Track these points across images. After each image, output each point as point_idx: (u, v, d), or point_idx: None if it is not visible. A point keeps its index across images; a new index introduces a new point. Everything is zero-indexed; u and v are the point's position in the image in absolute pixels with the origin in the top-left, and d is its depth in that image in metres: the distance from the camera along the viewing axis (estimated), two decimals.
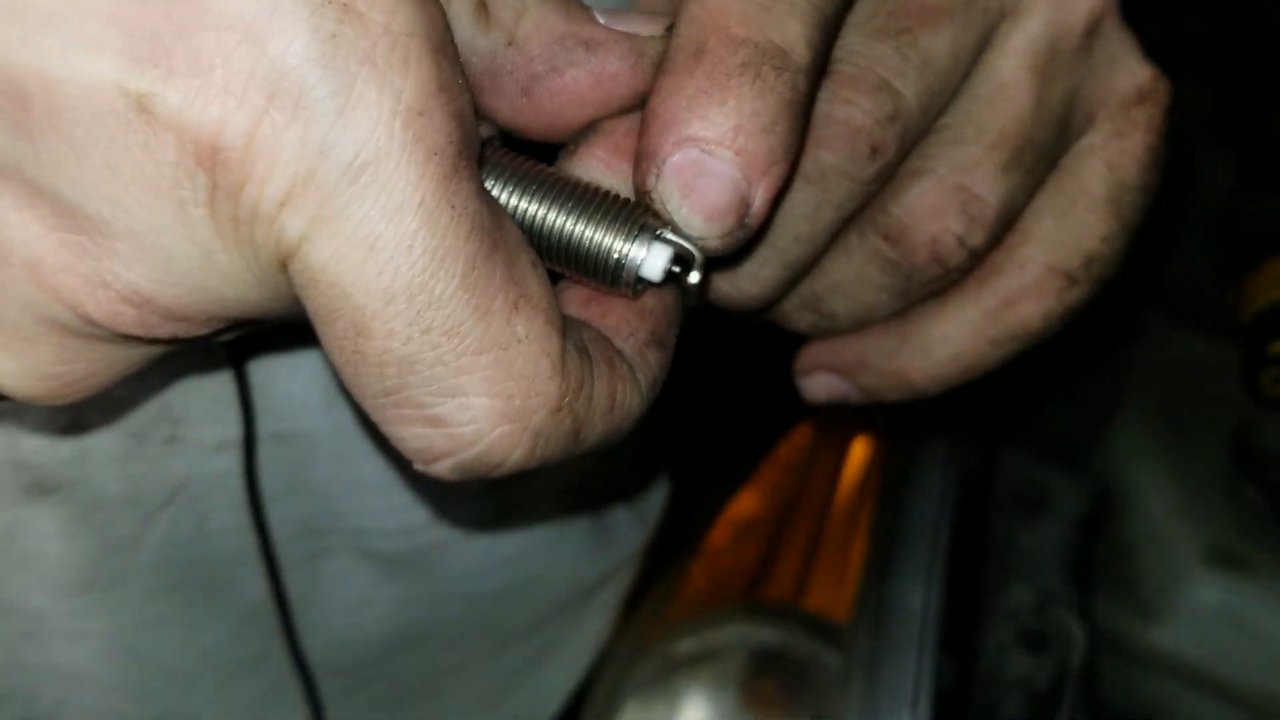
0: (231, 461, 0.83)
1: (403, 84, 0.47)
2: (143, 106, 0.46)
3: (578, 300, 0.62)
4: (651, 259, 0.59)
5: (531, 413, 0.53)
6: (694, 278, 0.59)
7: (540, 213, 0.58)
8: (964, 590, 1.27)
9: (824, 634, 1.22)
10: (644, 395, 0.59)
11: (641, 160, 0.57)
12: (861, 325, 0.73)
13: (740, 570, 1.30)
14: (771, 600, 1.27)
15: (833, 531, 1.31)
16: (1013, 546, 1.40)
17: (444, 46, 0.50)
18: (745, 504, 1.36)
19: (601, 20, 0.61)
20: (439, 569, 1.00)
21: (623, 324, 0.60)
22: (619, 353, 0.59)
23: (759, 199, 0.56)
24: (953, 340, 0.71)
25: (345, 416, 0.85)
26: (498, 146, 0.60)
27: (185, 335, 0.55)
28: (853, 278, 0.70)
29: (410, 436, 0.53)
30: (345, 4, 0.47)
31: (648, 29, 0.61)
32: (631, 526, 1.26)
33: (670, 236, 0.59)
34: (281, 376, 0.84)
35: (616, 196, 0.60)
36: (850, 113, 0.63)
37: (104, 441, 0.79)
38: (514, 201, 0.58)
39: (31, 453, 0.77)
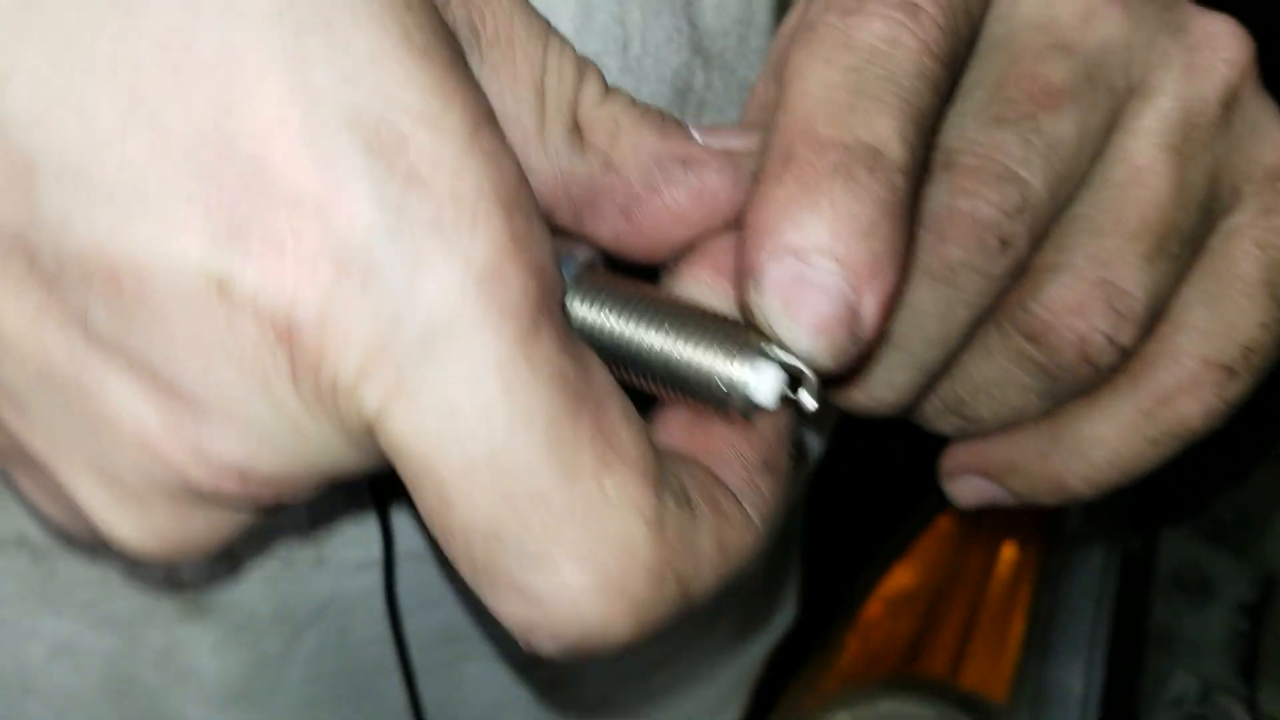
0: (373, 579, 0.86)
1: (471, 246, 0.46)
2: (223, 288, 0.46)
3: (679, 427, 0.58)
4: (762, 381, 0.55)
5: (629, 580, 0.49)
6: (808, 400, 0.55)
7: (643, 336, 0.56)
8: (1125, 674, 1.24)
9: (980, 713, 1.20)
10: (758, 530, 0.55)
11: (741, 276, 0.54)
12: (1009, 426, 0.69)
13: (895, 645, 1.29)
14: (926, 676, 1.25)
15: (990, 608, 1.29)
16: (1176, 632, 1.36)
17: (516, 199, 0.48)
18: (900, 578, 1.35)
19: (697, 136, 0.60)
20: (577, 670, 1.02)
21: (729, 451, 0.57)
22: (725, 489, 0.55)
23: (869, 308, 0.53)
24: (1108, 441, 0.67)
25: None
26: (599, 268, 0.58)
27: (291, 500, 0.55)
28: (996, 379, 0.66)
29: (507, 612, 0.50)
30: (409, 173, 0.46)
31: (743, 143, 0.59)
32: (771, 619, 1.27)
33: (780, 355, 0.55)
34: None
35: (722, 316, 0.57)
36: (975, 205, 0.61)
37: (255, 565, 0.83)
38: (614, 325, 0.56)
39: (187, 577, 0.81)
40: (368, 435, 0.49)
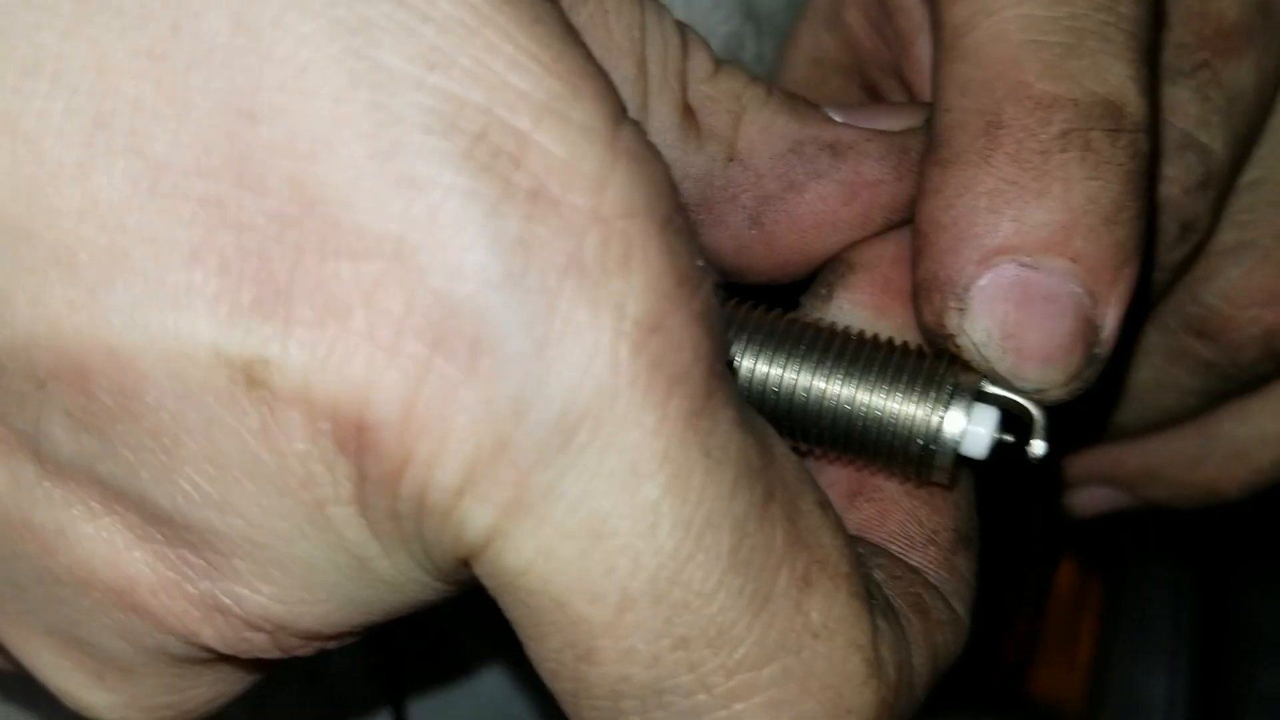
0: None
1: (626, 290, 0.33)
2: (253, 379, 0.33)
3: (837, 498, 0.45)
4: (974, 429, 0.43)
5: None
6: (1038, 447, 0.43)
7: (800, 382, 0.43)
8: (1211, 675, 1.16)
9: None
10: (966, 626, 0.44)
11: (932, 292, 0.43)
12: (1152, 430, 0.60)
13: (961, 655, 1.21)
14: (993, 688, 1.17)
15: (1059, 610, 1.21)
16: (1263, 622, 1.28)
17: (675, 219, 0.35)
18: None
19: (837, 117, 0.47)
20: None
21: (915, 528, 0.45)
22: (925, 582, 0.43)
23: (1110, 318, 0.42)
24: (1276, 439, 0.59)
25: None
26: (726, 298, 0.46)
27: (335, 648, 0.42)
28: (1150, 383, 0.57)
29: None
30: (533, 192, 0.33)
31: (901, 121, 0.47)
32: None
33: (994, 391, 0.43)
34: (437, 715, 0.74)
35: (904, 347, 0.44)
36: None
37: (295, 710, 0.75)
38: (764, 371, 0.44)
39: None
40: (460, 567, 0.37)
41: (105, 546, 0.37)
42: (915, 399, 0.43)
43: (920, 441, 0.43)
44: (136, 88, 0.33)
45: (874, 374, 0.43)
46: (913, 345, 0.45)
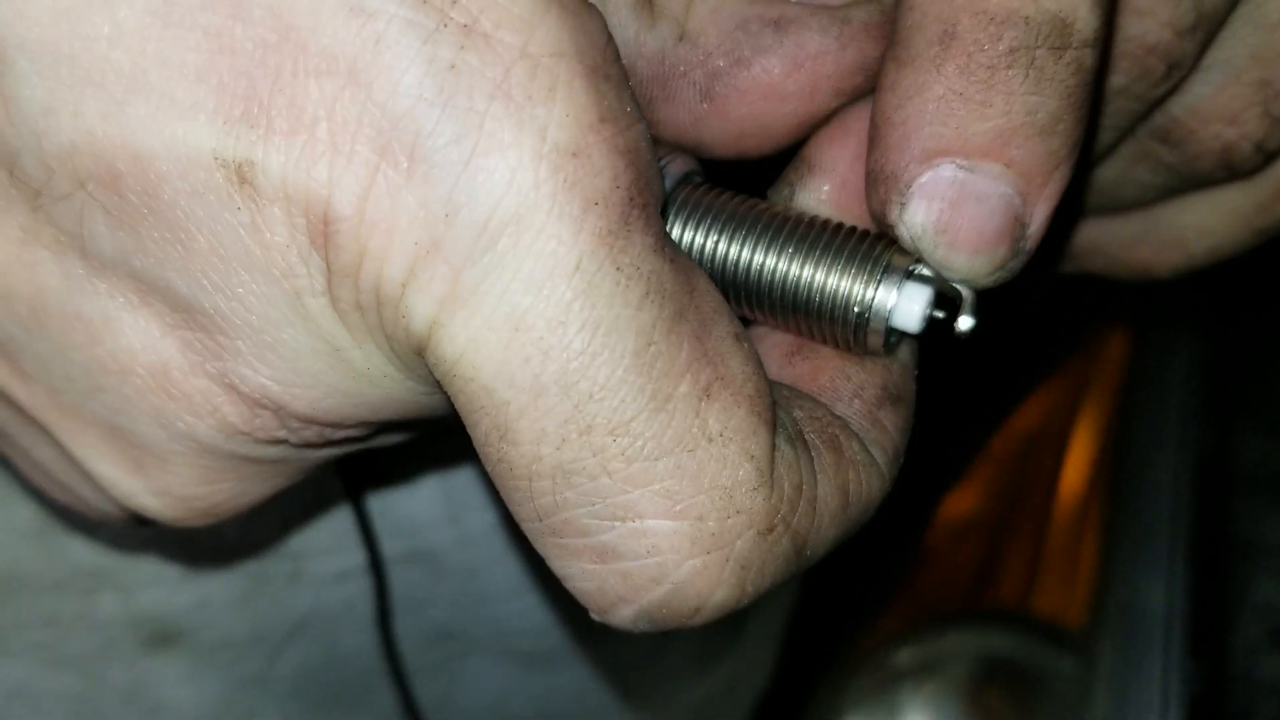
0: (357, 588, 0.80)
1: (549, 118, 0.38)
2: (243, 177, 0.39)
3: (777, 356, 0.50)
4: (906, 304, 0.46)
5: (734, 537, 0.41)
6: (964, 323, 0.47)
7: (755, 257, 0.47)
8: (1208, 587, 1.17)
9: (1057, 640, 1.13)
10: (885, 475, 0.47)
11: (878, 183, 0.46)
12: (1106, 214, 0.62)
13: (961, 573, 1.22)
14: (997, 605, 1.19)
15: (1060, 528, 1.22)
16: (1258, 535, 1.29)
17: (604, 65, 0.40)
18: (961, 502, 1.28)
19: None
20: (584, 659, 0.96)
21: (842, 382, 0.48)
22: (844, 426, 0.47)
23: (1038, 217, 0.45)
24: (1214, 233, 0.61)
25: (472, 527, 0.81)
26: (698, 184, 0.50)
27: (342, 439, 0.48)
28: (1114, 178, 0.59)
29: (576, 573, 0.42)
30: (466, 25, 0.38)
31: None
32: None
33: (928, 273, 0.47)
34: (400, 499, 0.79)
35: (851, 230, 0.48)
36: (1145, 27, 0.50)
37: (223, 586, 0.77)
38: (718, 245, 0.48)
39: (149, 605, 0.75)
40: (418, 357, 0.42)
41: (143, 334, 0.43)
42: (854, 274, 0.46)
43: (856, 311, 0.46)
44: None
45: (818, 251, 0.47)
46: (859, 227, 0.48)
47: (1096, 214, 0.62)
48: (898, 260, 0.46)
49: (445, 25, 0.38)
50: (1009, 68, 0.43)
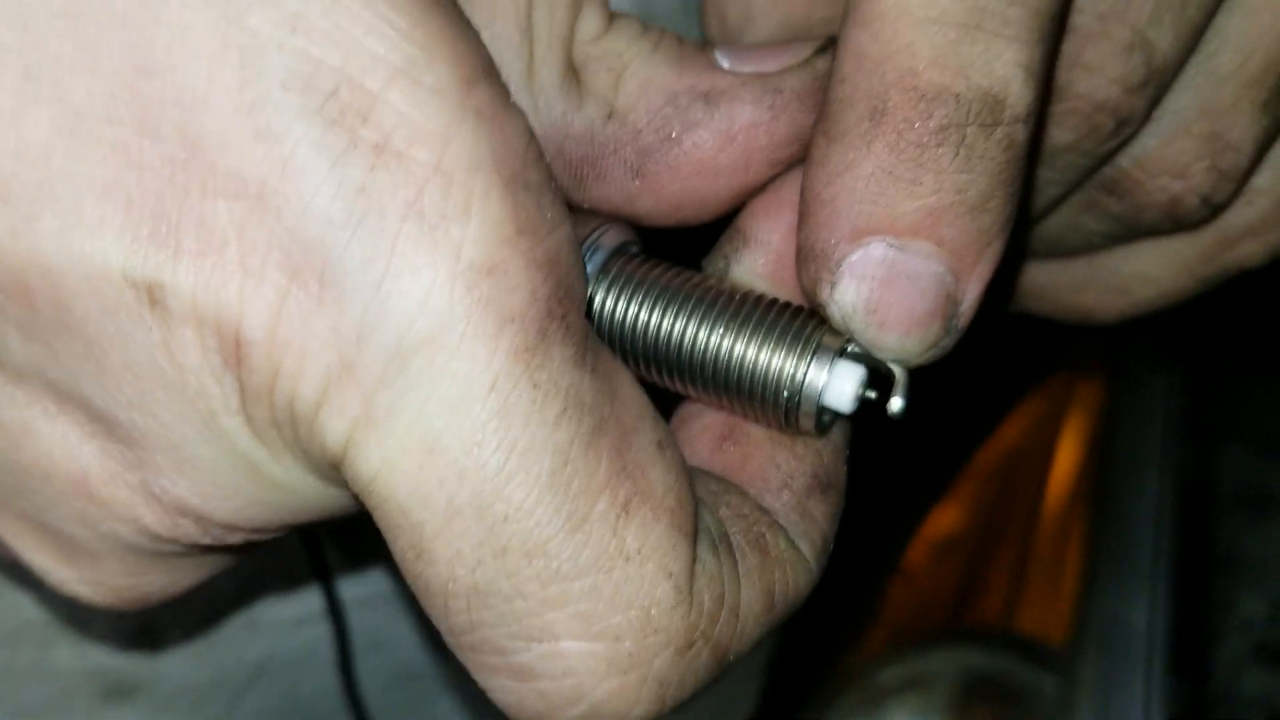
0: (314, 632, 0.80)
1: (463, 236, 0.38)
2: (154, 298, 0.38)
3: (707, 440, 0.49)
4: (837, 384, 0.45)
5: (651, 656, 0.41)
6: (896, 404, 0.45)
7: (684, 332, 0.47)
8: (1191, 603, 1.18)
9: (1040, 657, 1.13)
10: (813, 569, 0.46)
11: (808, 260, 0.45)
12: (1051, 258, 0.62)
13: (944, 591, 1.22)
14: (980, 622, 1.19)
15: (1042, 546, 1.22)
16: (1240, 552, 1.29)
17: (523, 172, 0.39)
18: (944, 519, 1.28)
19: (723, 60, 0.48)
20: None
21: (772, 471, 0.47)
22: (771, 522, 0.46)
23: (971, 294, 0.44)
24: (1158, 280, 0.60)
25: None
26: (632, 254, 0.49)
27: (263, 539, 0.47)
28: (1059, 226, 0.58)
29: (495, 687, 0.42)
30: (378, 144, 0.37)
31: (780, 61, 0.48)
32: None
33: (860, 351, 0.46)
34: (359, 542, 0.78)
35: (784, 306, 0.47)
36: (1093, 84, 0.49)
37: (178, 636, 0.75)
38: (651, 319, 0.47)
39: (104, 658, 0.73)
40: (336, 470, 0.41)
41: (61, 442, 0.42)
42: (786, 352, 0.46)
43: (786, 392, 0.46)
44: (57, 44, 0.38)
45: (750, 327, 0.46)
46: (796, 304, 0.47)
47: (1040, 258, 0.62)
48: (830, 339, 0.46)
49: (355, 146, 0.37)
50: (939, 145, 0.42)
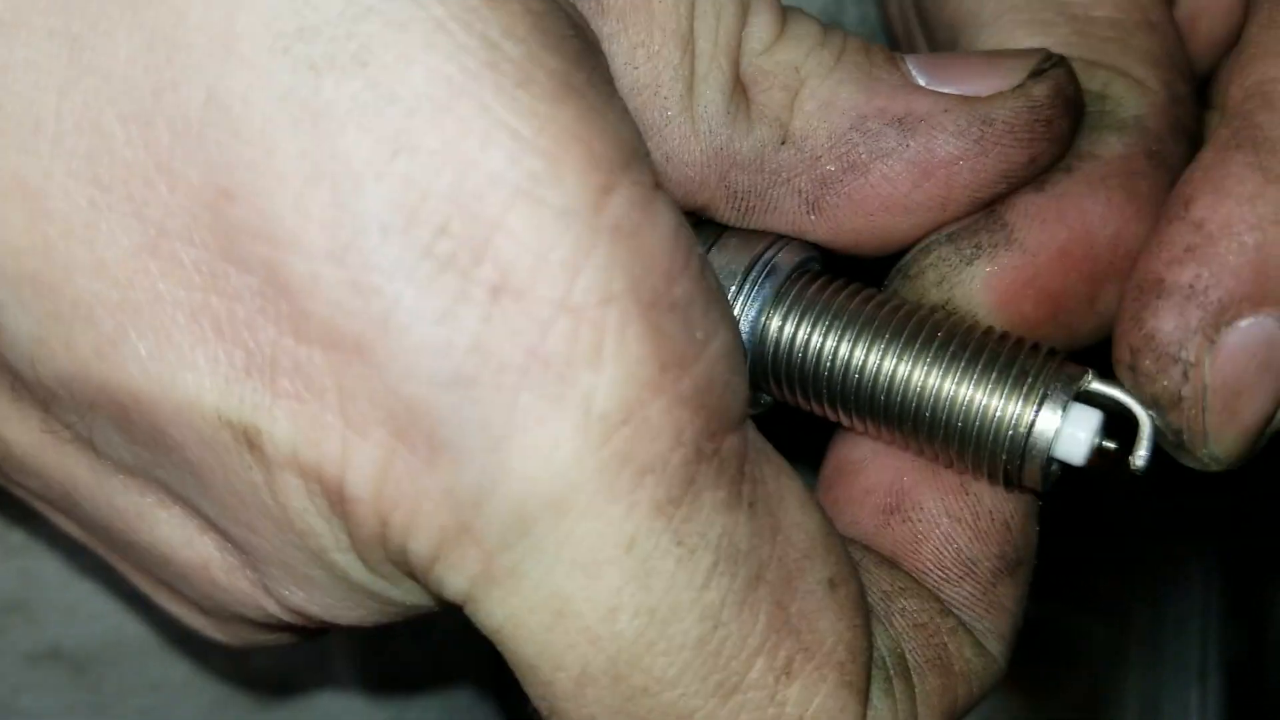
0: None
1: (594, 383, 0.33)
2: (252, 442, 0.35)
3: (869, 511, 0.43)
4: (1072, 431, 0.39)
5: None
6: (1140, 458, 0.39)
7: (878, 364, 0.40)
8: (1247, 544, 1.14)
9: (1093, 604, 1.11)
10: (1000, 667, 0.42)
11: (1187, 302, 0.38)
12: None
13: None
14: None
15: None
16: None
17: (667, 291, 0.34)
18: None
19: (917, 75, 0.42)
20: None
21: (949, 556, 0.42)
22: (954, 626, 0.41)
23: None
24: None
25: None
26: (815, 273, 0.43)
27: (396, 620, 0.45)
28: None
29: None
30: (495, 286, 0.32)
31: (989, 83, 0.42)
32: None
33: (1100, 390, 0.40)
34: None
35: (1003, 336, 0.41)
36: None
37: (336, 652, 0.76)
38: (836, 349, 0.41)
39: (262, 661, 0.73)
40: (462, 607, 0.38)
41: (179, 531, 0.40)
42: (1010, 392, 0.40)
43: (1010, 440, 0.39)
44: (130, 153, 0.33)
45: (965, 361, 0.40)
46: (1014, 336, 0.41)
47: None
48: (1064, 375, 0.40)
49: (467, 295, 0.32)
50: None
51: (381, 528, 0.35)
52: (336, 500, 0.35)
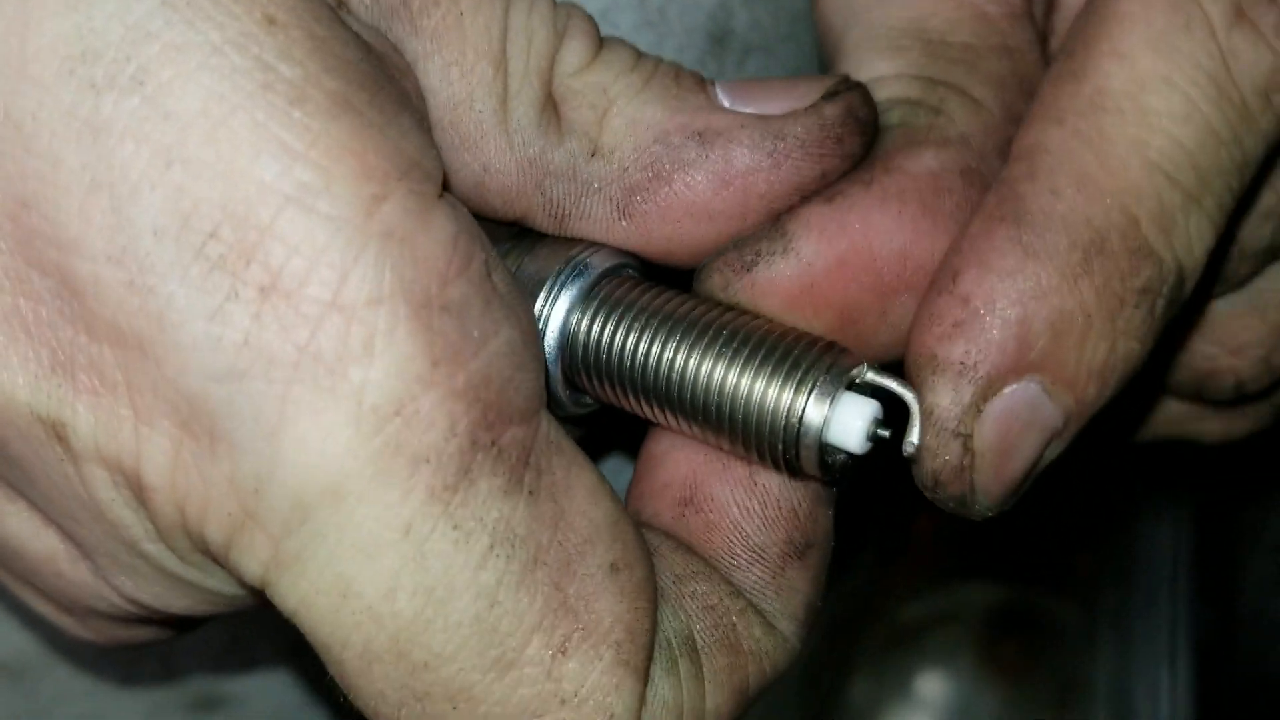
0: None
1: (365, 378, 0.35)
2: (60, 434, 0.37)
3: (667, 503, 0.46)
4: (846, 419, 0.41)
5: None
6: (912, 443, 0.42)
7: (674, 359, 0.43)
8: (1217, 524, 1.16)
9: (1063, 587, 1.13)
10: (794, 645, 0.44)
11: (959, 376, 0.41)
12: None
13: (965, 525, 1.22)
14: (1002, 554, 1.18)
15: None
16: (1267, 469, 1.27)
17: (440, 293, 0.36)
18: None
19: (723, 98, 0.45)
20: None
21: (738, 544, 0.45)
22: (744, 607, 0.43)
23: (1054, 454, 0.43)
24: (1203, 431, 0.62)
25: None
26: (625, 277, 0.46)
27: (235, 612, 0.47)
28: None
29: None
30: (264, 286, 0.34)
31: (784, 103, 0.44)
32: None
33: (874, 380, 0.42)
34: None
35: (788, 332, 0.43)
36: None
37: (268, 652, 0.76)
38: (638, 346, 0.44)
39: (191, 674, 0.74)
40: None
41: (27, 524, 0.43)
42: (784, 382, 0.42)
43: (784, 429, 0.42)
44: None
45: (748, 354, 0.43)
46: (797, 331, 0.44)
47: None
48: (838, 367, 0.42)
49: (237, 293, 0.35)
50: (1136, 306, 0.41)
51: (180, 516, 0.37)
52: (137, 490, 0.37)
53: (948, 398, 0.41)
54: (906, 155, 0.44)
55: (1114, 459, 1.16)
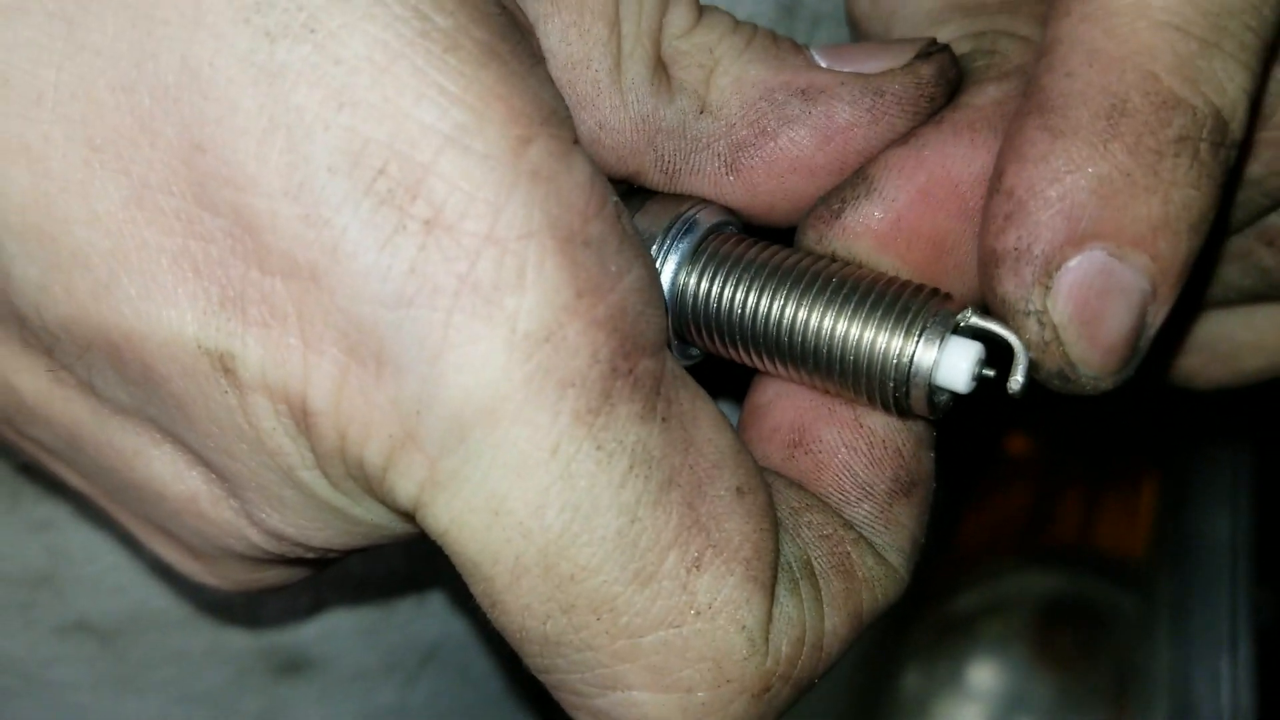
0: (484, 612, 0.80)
1: (518, 306, 0.38)
2: (226, 366, 0.40)
3: (777, 446, 0.48)
4: (952, 361, 0.43)
5: (725, 704, 0.41)
6: (1017, 382, 0.43)
7: (783, 310, 0.45)
8: (1276, 509, 1.14)
9: (1119, 575, 1.11)
10: (903, 576, 0.46)
11: (1019, 262, 0.43)
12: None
13: (1017, 513, 1.20)
14: (1056, 543, 1.16)
15: (1117, 459, 1.19)
16: None
17: (582, 229, 0.39)
18: (1014, 441, 1.26)
19: (820, 59, 0.47)
20: None
21: (849, 483, 0.46)
22: (856, 538, 0.45)
23: (1160, 318, 0.43)
24: (1269, 350, 0.59)
25: None
26: (729, 234, 0.48)
27: (366, 548, 0.49)
28: (1207, 275, 0.56)
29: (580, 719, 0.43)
30: (428, 221, 0.37)
31: (881, 63, 0.47)
32: None
33: (977, 324, 0.44)
34: None
35: (891, 280, 0.45)
36: None
37: (350, 618, 0.77)
38: (746, 298, 0.46)
39: (277, 637, 0.76)
40: (413, 518, 0.42)
41: (170, 467, 0.45)
42: (894, 328, 0.44)
43: (895, 372, 0.44)
44: (117, 117, 0.39)
45: (855, 302, 0.44)
46: (900, 280, 0.45)
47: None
48: (945, 310, 0.44)
49: (404, 225, 0.37)
50: (1176, 155, 0.41)
51: (340, 440, 0.39)
52: (300, 417, 0.39)
53: (1010, 283, 0.43)
54: (971, 92, 0.46)
55: (1172, 442, 1.14)
